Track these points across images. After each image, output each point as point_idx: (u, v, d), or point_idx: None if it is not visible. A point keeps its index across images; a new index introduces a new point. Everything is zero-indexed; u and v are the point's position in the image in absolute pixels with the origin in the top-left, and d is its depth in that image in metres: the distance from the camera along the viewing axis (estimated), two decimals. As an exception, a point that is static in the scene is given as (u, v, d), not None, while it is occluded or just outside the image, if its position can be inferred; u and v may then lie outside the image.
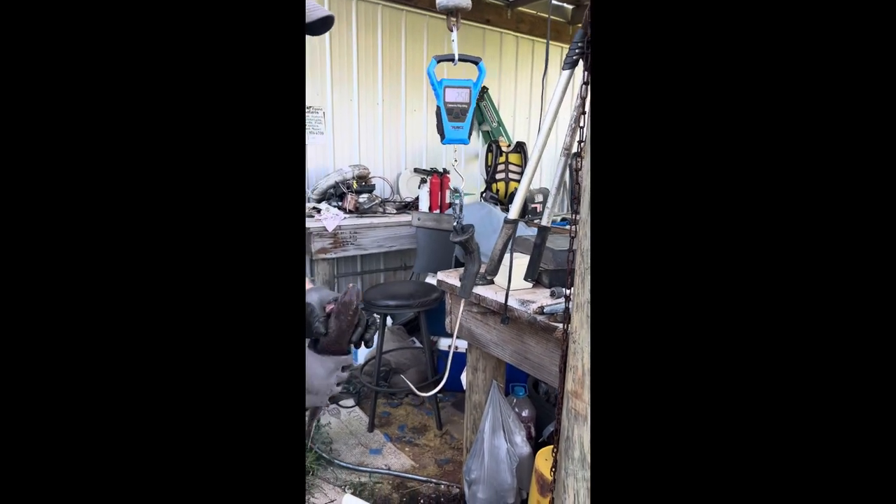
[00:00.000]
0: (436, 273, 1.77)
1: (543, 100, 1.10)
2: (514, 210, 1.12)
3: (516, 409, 1.73)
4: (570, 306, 0.89)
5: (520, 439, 1.55)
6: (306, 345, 0.64)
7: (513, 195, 1.14)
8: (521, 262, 1.35)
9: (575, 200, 0.89)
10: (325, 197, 2.65)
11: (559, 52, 3.74)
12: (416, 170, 3.11)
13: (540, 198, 3.06)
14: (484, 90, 3.36)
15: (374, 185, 2.77)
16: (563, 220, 2.76)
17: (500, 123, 3.38)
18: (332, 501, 1.76)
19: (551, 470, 1.09)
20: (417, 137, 3.24)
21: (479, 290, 1.43)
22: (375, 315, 2.25)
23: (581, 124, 0.92)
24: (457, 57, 0.90)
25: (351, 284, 0.64)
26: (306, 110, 2.75)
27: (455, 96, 0.90)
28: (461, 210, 0.96)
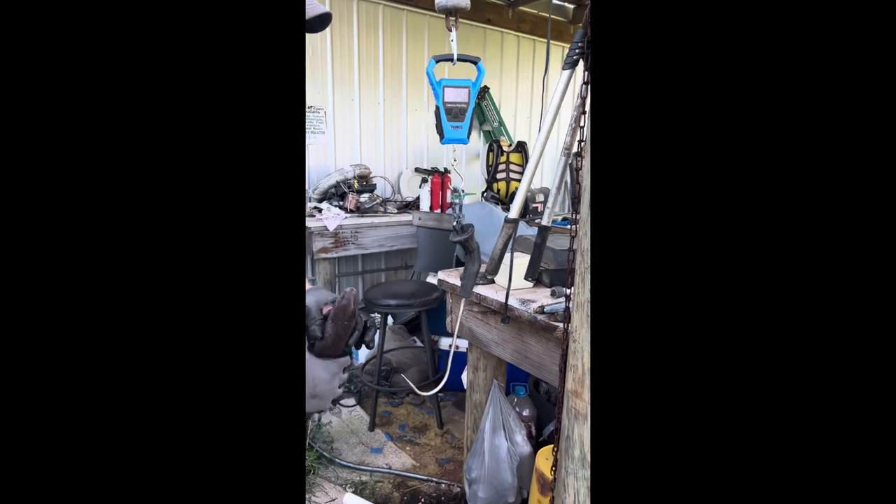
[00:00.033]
0: (437, 272, 1.77)
1: (544, 100, 1.11)
2: (515, 209, 1.12)
3: (517, 409, 1.73)
4: (571, 305, 0.89)
5: (520, 438, 1.55)
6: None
7: (514, 195, 1.14)
8: (522, 261, 1.35)
9: (575, 200, 0.89)
10: (326, 196, 2.66)
11: (560, 51, 3.73)
12: (417, 169, 3.11)
13: (541, 197, 3.06)
14: (485, 90, 3.36)
15: (375, 184, 2.77)
16: (564, 219, 2.76)
17: (501, 123, 3.38)
18: (334, 500, 1.76)
19: (552, 469, 1.10)
20: (418, 137, 3.24)
21: (480, 289, 1.43)
22: (373, 315, 2.26)
23: (581, 124, 0.92)
24: (455, 57, 0.90)
25: (349, 289, 0.64)
26: (308, 110, 2.75)
27: (454, 96, 0.91)
28: (461, 210, 0.96)
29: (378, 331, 2.20)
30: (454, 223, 0.93)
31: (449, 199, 2.79)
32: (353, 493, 1.79)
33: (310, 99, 2.76)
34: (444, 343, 2.52)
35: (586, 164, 0.82)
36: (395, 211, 2.74)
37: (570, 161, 1.10)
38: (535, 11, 3.54)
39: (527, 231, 1.89)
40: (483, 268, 1.35)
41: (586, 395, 0.80)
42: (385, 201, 2.79)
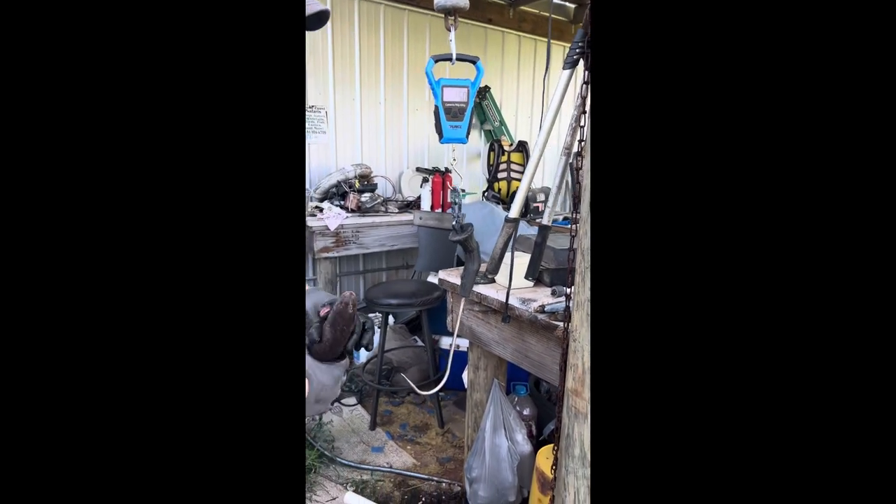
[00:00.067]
0: (437, 272, 1.77)
1: (545, 99, 1.11)
2: (515, 209, 1.12)
3: (517, 408, 1.74)
4: (571, 305, 0.89)
5: (521, 437, 1.55)
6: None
7: (515, 194, 1.14)
8: (523, 260, 1.35)
9: (576, 199, 0.90)
10: (327, 196, 2.66)
11: (561, 51, 3.73)
12: (418, 169, 3.11)
13: (541, 197, 3.06)
14: (486, 89, 3.36)
15: (376, 184, 2.77)
16: (565, 219, 2.76)
17: (502, 123, 3.38)
18: (335, 499, 1.77)
19: (552, 468, 1.10)
20: (419, 137, 3.25)
21: (481, 288, 1.44)
22: (371, 316, 2.26)
23: (581, 123, 0.92)
24: (454, 56, 0.90)
25: (348, 292, 0.64)
26: (309, 110, 2.76)
27: (453, 95, 0.91)
28: (460, 209, 0.96)
29: (377, 332, 2.20)
30: (454, 222, 0.93)
31: (449, 199, 2.79)
32: (354, 491, 1.79)
33: (311, 99, 2.76)
34: (445, 342, 2.53)
35: (586, 163, 0.82)
36: (396, 210, 2.74)
37: (570, 160, 1.10)
38: (536, 11, 3.54)
39: (527, 230, 1.89)
40: (483, 267, 1.35)
41: (586, 393, 0.81)
42: (386, 201, 2.80)
